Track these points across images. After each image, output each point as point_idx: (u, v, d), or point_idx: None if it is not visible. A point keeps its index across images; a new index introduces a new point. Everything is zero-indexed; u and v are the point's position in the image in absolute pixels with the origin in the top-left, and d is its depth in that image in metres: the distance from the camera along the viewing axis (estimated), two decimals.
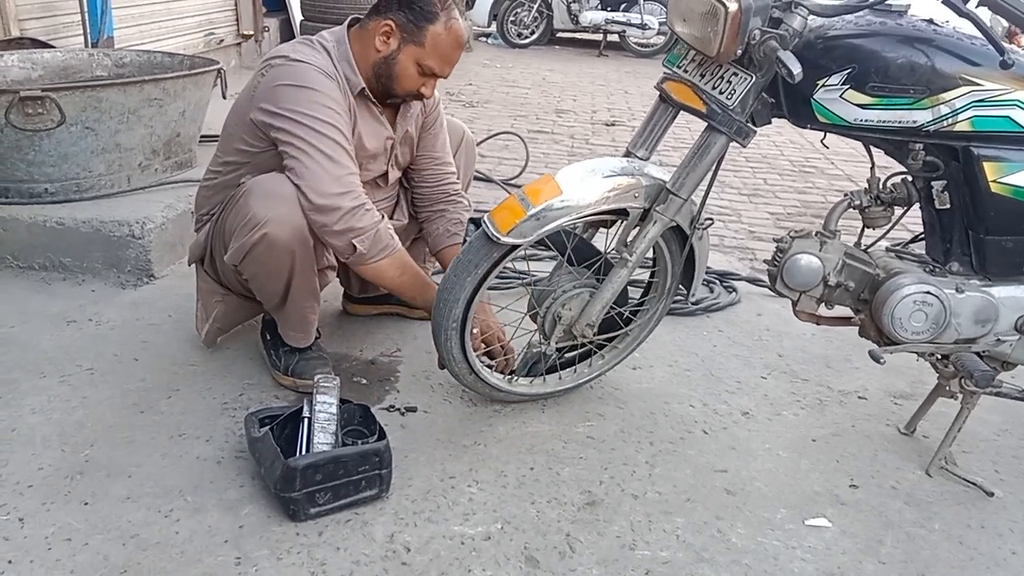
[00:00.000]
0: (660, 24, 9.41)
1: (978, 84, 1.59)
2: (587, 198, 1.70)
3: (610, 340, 2.06)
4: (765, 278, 2.11)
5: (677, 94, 1.73)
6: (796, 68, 1.50)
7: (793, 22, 1.56)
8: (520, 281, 2.67)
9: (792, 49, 1.55)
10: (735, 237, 3.55)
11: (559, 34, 10.31)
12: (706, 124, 1.69)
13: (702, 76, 1.69)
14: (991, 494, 1.82)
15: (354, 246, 1.78)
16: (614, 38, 9.80)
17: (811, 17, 1.58)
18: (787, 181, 4.62)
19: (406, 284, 1.91)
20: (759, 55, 1.56)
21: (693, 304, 2.61)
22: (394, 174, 2.07)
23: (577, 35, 10.48)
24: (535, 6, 9.67)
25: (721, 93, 1.65)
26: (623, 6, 9.58)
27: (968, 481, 1.85)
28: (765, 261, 1.91)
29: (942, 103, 1.60)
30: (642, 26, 9.42)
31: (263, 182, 1.78)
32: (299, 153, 1.74)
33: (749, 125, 1.67)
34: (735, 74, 1.64)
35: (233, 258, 1.83)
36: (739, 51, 1.56)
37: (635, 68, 8.81)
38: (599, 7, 9.64)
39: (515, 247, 1.72)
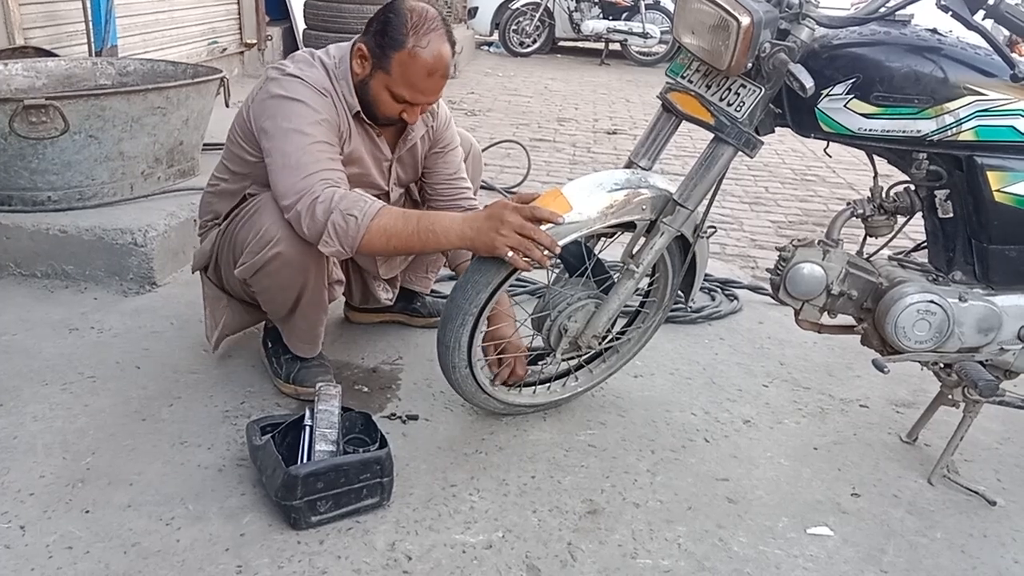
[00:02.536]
0: (662, 33, 9.45)
1: (982, 94, 1.59)
2: (596, 213, 1.69)
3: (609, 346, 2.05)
4: (767, 286, 2.10)
5: (683, 105, 1.71)
6: (808, 82, 1.50)
7: (801, 34, 1.56)
8: (523, 290, 2.68)
9: (798, 60, 1.55)
10: (737, 245, 3.56)
11: (561, 43, 10.35)
12: (713, 135, 1.68)
13: (708, 87, 1.67)
14: (993, 503, 1.82)
15: (326, 242, 1.67)
16: (616, 47, 9.84)
17: (817, 28, 1.58)
18: (788, 189, 4.62)
19: (402, 245, 1.70)
20: (768, 68, 1.55)
21: (695, 312, 2.61)
22: (396, 192, 2.05)
23: (579, 44, 10.52)
24: (537, 15, 9.71)
25: (729, 105, 1.63)
26: (625, 15, 9.61)
27: (970, 490, 1.85)
28: (768, 269, 1.91)
29: (946, 113, 1.60)
30: (644, 35, 9.45)
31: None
32: (270, 162, 1.73)
33: (756, 136, 1.67)
34: (743, 86, 1.62)
35: (244, 273, 1.83)
36: (749, 64, 1.55)
37: (637, 77, 8.83)
38: (601, 16, 9.68)
39: None
